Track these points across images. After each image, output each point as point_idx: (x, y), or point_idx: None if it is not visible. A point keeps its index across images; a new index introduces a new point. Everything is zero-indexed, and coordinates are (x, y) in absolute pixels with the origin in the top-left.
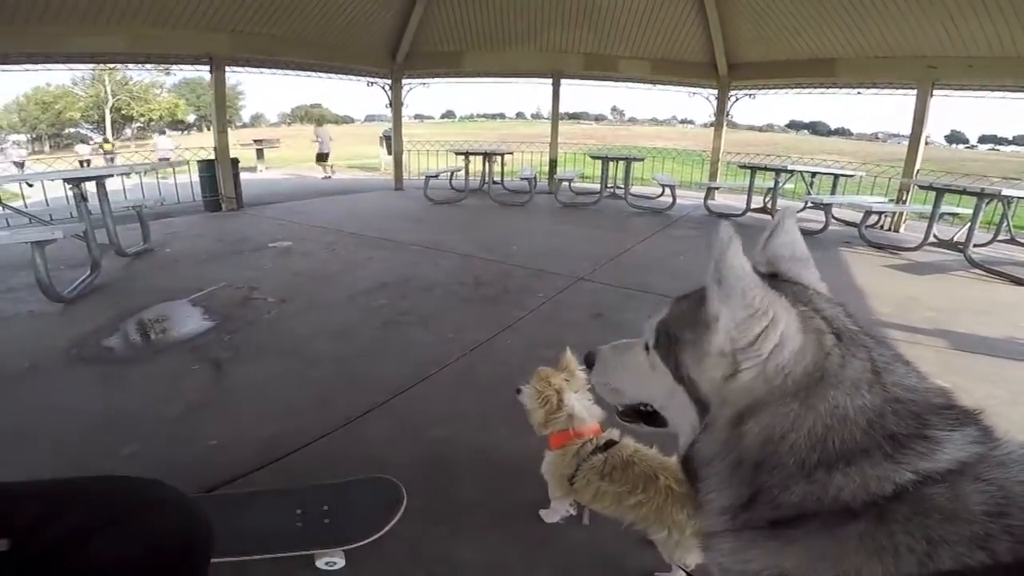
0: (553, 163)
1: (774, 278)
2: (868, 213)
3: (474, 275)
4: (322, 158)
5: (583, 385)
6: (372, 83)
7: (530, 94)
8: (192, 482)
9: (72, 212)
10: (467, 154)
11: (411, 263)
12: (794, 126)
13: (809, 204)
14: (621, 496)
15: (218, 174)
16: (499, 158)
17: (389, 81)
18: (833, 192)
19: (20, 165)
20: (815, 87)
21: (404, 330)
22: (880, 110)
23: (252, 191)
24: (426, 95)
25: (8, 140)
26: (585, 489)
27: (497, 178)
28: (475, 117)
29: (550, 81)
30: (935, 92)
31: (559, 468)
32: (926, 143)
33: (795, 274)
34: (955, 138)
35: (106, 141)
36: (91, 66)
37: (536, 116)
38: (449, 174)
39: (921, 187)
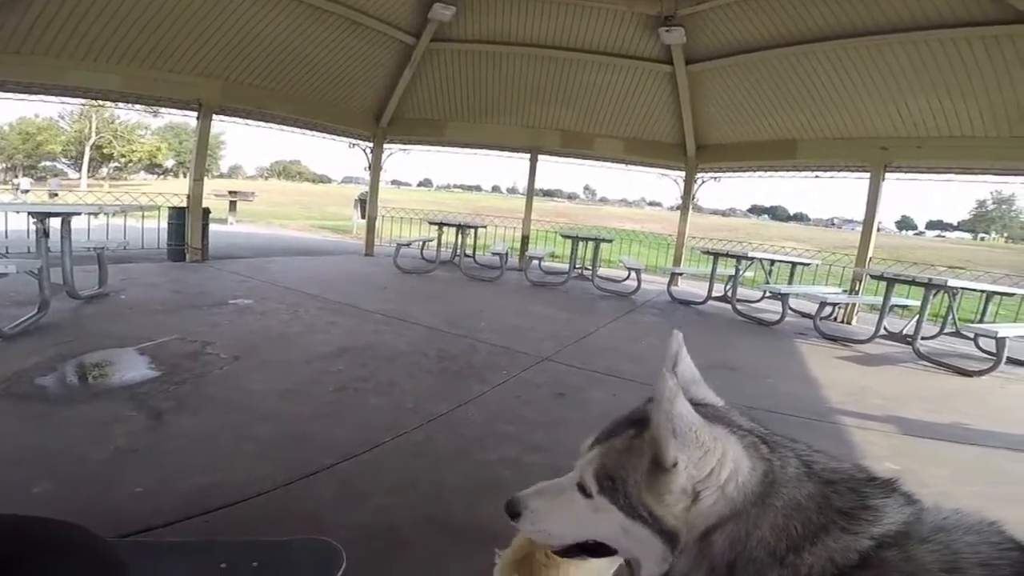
0: (525, 240)
1: None
2: (823, 305)
3: (438, 348)
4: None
5: None
6: (354, 144)
7: (507, 168)
8: (107, 527)
9: (30, 247)
10: (441, 225)
11: (374, 331)
12: (755, 211)
13: (767, 294)
14: None
15: (187, 223)
16: (472, 231)
17: (371, 144)
18: (791, 281)
19: None
20: (777, 169)
21: (361, 396)
22: (836, 195)
23: (219, 243)
24: (406, 162)
25: None
26: None
27: (469, 251)
28: (452, 187)
29: (528, 156)
30: (887, 175)
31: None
32: (878, 229)
33: (701, 396)
34: (905, 224)
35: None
36: (82, 101)
37: (512, 191)
38: (421, 244)
39: (873, 276)
